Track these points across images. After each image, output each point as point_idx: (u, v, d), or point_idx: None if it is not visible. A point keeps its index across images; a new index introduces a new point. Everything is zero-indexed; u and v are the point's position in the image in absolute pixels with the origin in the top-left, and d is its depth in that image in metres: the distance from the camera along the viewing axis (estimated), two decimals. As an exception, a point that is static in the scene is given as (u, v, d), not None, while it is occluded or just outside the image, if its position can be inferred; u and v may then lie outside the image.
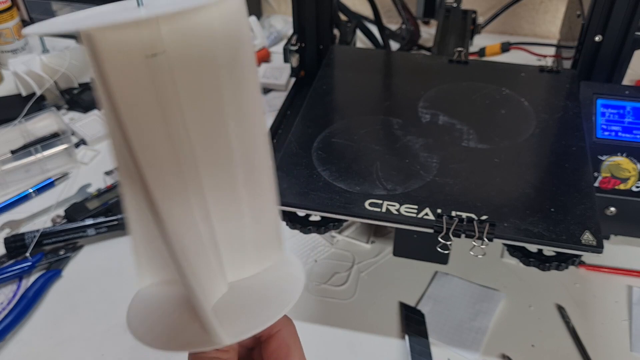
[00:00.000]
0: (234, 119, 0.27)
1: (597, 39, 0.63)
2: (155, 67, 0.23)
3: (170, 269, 0.27)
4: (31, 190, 0.71)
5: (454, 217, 0.47)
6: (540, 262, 0.49)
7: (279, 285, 0.31)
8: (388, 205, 0.49)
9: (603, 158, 0.58)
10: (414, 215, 0.48)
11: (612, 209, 0.57)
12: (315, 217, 0.53)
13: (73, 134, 0.80)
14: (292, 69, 0.77)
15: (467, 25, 0.85)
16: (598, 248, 0.45)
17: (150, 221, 0.25)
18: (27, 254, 0.62)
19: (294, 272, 0.32)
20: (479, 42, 0.93)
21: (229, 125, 0.27)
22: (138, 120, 0.23)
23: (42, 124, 0.79)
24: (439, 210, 0.48)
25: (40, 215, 0.69)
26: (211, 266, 0.29)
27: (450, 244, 0.46)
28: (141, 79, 0.23)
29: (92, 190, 0.72)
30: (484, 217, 0.47)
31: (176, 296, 0.29)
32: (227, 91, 0.26)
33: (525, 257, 0.49)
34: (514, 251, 0.50)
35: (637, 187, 0.57)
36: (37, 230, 0.63)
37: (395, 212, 0.48)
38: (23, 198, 0.71)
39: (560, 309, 0.56)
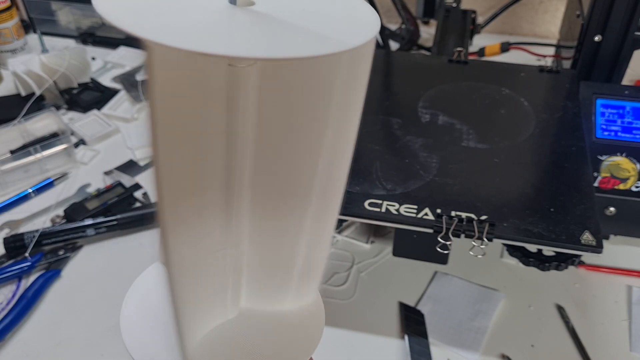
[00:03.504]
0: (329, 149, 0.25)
1: (596, 38, 0.63)
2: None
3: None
4: (30, 190, 0.71)
5: (453, 217, 0.47)
6: (540, 262, 0.49)
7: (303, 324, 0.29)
8: (388, 205, 0.49)
9: (602, 158, 0.58)
10: (414, 215, 0.48)
11: (612, 209, 0.57)
12: (315, 217, 0.53)
13: (72, 134, 0.80)
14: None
15: (467, 25, 0.85)
16: (598, 248, 0.45)
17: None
18: (27, 254, 0.62)
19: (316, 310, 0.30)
20: (478, 42, 0.93)
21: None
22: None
23: (42, 124, 0.79)
24: (438, 210, 0.48)
25: (39, 215, 0.69)
26: (221, 294, 0.28)
27: (449, 244, 0.46)
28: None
29: (91, 190, 0.72)
30: (483, 217, 0.47)
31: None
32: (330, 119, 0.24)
33: (525, 257, 0.49)
34: (513, 251, 0.50)
35: (637, 187, 0.57)
36: (37, 230, 0.63)
37: (395, 212, 0.48)
38: (22, 198, 0.71)
39: (560, 309, 0.56)
